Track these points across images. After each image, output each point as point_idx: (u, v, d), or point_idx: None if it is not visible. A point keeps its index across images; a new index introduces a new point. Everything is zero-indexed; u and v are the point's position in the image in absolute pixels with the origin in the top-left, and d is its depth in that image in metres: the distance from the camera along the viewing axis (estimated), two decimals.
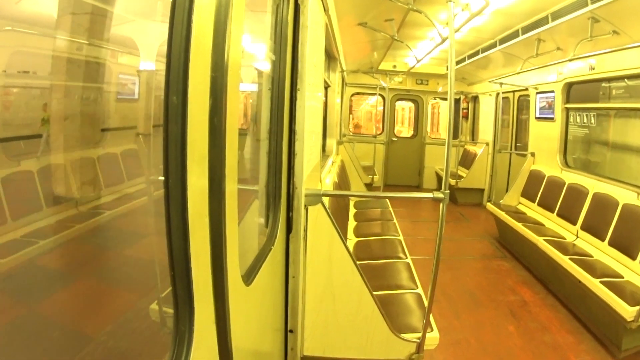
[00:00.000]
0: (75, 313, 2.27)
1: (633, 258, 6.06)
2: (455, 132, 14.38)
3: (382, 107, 15.81)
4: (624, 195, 6.70)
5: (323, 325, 3.86)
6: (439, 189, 3.53)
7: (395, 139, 16.02)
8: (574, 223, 7.61)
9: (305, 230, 3.68)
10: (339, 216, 5.92)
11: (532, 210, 9.23)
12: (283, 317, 3.68)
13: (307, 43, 3.53)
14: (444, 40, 8.46)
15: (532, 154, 10.01)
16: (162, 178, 1.59)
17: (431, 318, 4.07)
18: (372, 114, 20.44)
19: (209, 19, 1.69)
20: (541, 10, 6.90)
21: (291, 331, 3.76)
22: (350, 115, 16.27)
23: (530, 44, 8.12)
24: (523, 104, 11.62)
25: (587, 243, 7.13)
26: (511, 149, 12.20)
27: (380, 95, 14.64)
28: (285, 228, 3.56)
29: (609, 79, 7.65)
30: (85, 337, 2.29)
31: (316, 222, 3.72)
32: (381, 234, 7.07)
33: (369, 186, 12.06)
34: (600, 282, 5.49)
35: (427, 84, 15.32)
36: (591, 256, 6.65)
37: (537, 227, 8.06)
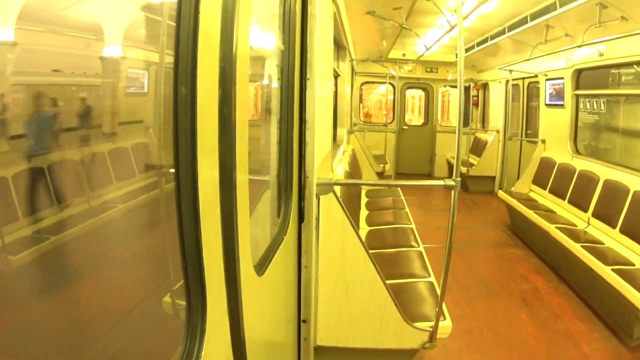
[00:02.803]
0: (85, 307, 2.27)
1: None
2: (466, 120, 14.28)
3: (392, 96, 15.73)
4: (634, 182, 6.65)
5: (336, 315, 3.86)
6: (450, 177, 3.51)
7: (406, 127, 15.94)
8: (585, 210, 7.57)
9: (317, 220, 3.67)
10: (350, 205, 5.91)
11: (544, 198, 9.19)
12: (296, 308, 3.68)
13: (315, 32, 3.51)
14: (452, 28, 8.45)
15: (543, 141, 9.94)
16: (172, 170, 1.59)
17: (444, 306, 4.07)
18: (382, 103, 20.39)
19: (216, 8, 1.68)
20: None
21: (304, 321, 3.76)
22: (361, 104, 16.27)
23: (539, 30, 8.07)
24: (533, 91, 11.57)
25: (599, 230, 7.09)
26: (522, 136, 12.13)
27: (390, 83, 14.66)
28: (297, 218, 3.56)
29: (618, 65, 7.58)
30: (96, 330, 2.30)
31: (328, 212, 3.72)
32: (393, 223, 7.07)
33: (381, 175, 12.05)
34: (612, 269, 5.44)
35: (436, 72, 15.23)
36: (602, 244, 6.59)
37: (549, 214, 8.02)
